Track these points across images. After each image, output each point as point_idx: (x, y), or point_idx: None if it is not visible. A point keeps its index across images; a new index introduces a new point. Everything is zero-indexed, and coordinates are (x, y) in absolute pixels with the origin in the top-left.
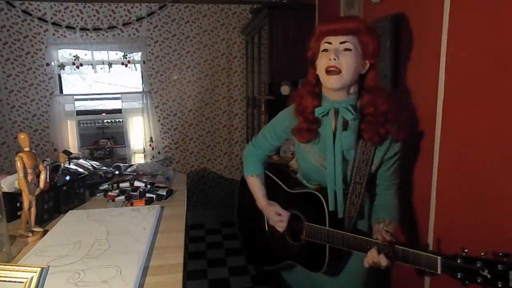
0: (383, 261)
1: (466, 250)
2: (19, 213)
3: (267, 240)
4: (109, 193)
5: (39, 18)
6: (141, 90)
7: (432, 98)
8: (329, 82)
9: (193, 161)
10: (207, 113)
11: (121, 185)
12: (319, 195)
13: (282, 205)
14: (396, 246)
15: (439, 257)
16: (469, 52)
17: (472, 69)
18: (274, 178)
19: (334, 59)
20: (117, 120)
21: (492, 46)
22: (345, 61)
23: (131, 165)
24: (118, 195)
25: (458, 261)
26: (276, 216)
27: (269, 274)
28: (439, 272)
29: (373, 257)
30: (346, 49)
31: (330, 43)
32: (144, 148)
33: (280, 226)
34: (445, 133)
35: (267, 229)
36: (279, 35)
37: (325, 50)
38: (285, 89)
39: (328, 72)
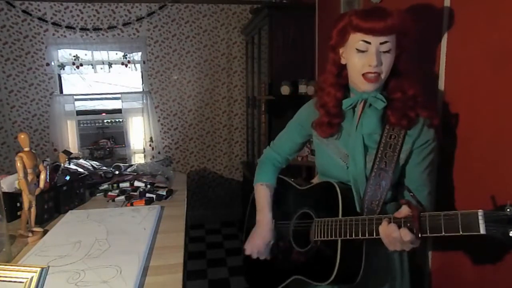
0: (406, 235)
1: None
2: (19, 213)
3: (272, 256)
4: (109, 193)
5: (39, 18)
6: (141, 90)
7: (432, 97)
8: (366, 87)
9: (193, 161)
10: (207, 113)
11: (121, 185)
12: (333, 182)
13: (292, 205)
14: (422, 213)
15: (480, 211)
16: (469, 52)
17: (472, 68)
18: (286, 179)
19: (376, 65)
20: (117, 120)
21: (492, 45)
22: (386, 63)
23: (131, 165)
24: (118, 195)
25: (508, 211)
26: (262, 245)
27: None
28: (482, 231)
29: (391, 231)
30: (386, 51)
31: (369, 43)
32: (144, 148)
33: (253, 253)
34: (445, 132)
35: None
36: (279, 35)
37: (362, 50)
38: (285, 89)
39: (367, 78)
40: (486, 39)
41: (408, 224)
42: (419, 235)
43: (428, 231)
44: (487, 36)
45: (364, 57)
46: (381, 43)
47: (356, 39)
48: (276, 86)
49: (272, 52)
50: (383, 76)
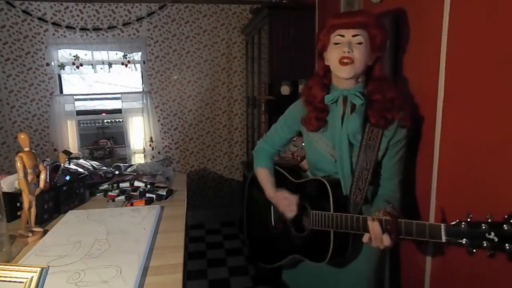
0: (386, 240)
1: (471, 216)
2: (19, 213)
3: (272, 237)
4: (109, 193)
5: (39, 18)
6: (141, 90)
7: (432, 97)
8: (342, 72)
9: (193, 161)
10: (207, 113)
11: (121, 185)
12: (324, 181)
13: None
14: (398, 219)
15: (442, 224)
16: (469, 51)
17: (472, 68)
18: (282, 171)
19: (349, 52)
20: (117, 120)
21: (492, 45)
22: (358, 52)
23: (131, 165)
24: (118, 195)
25: (463, 226)
26: (284, 201)
27: (269, 274)
28: (443, 239)
29: (374, 228)
30: (358, 43)
31: (342, 36)
32: (144, 148)
33: (290, 211)
34: (445, 132)
35: (273, 224)
36: (279, 35)
37: (337, 43)
38: (285, 89)
39: (342, 63)
40: (486, 38)
41: (388, 227)
42: (397, 237)
43: (403, 233)
44: (487, 35)
45: (339, 48)
46: (353, 36)
47: (333, 36)
48: (276, 86)
49: (272, 52)
50: (357, 63)
